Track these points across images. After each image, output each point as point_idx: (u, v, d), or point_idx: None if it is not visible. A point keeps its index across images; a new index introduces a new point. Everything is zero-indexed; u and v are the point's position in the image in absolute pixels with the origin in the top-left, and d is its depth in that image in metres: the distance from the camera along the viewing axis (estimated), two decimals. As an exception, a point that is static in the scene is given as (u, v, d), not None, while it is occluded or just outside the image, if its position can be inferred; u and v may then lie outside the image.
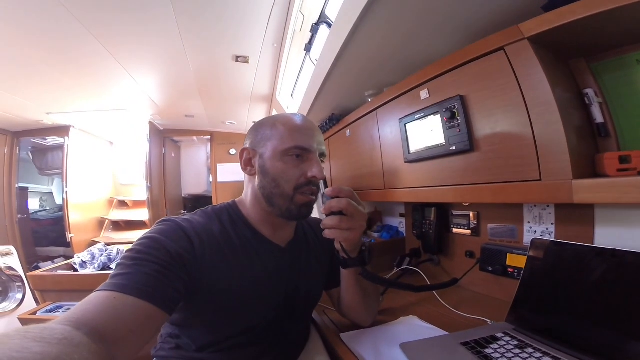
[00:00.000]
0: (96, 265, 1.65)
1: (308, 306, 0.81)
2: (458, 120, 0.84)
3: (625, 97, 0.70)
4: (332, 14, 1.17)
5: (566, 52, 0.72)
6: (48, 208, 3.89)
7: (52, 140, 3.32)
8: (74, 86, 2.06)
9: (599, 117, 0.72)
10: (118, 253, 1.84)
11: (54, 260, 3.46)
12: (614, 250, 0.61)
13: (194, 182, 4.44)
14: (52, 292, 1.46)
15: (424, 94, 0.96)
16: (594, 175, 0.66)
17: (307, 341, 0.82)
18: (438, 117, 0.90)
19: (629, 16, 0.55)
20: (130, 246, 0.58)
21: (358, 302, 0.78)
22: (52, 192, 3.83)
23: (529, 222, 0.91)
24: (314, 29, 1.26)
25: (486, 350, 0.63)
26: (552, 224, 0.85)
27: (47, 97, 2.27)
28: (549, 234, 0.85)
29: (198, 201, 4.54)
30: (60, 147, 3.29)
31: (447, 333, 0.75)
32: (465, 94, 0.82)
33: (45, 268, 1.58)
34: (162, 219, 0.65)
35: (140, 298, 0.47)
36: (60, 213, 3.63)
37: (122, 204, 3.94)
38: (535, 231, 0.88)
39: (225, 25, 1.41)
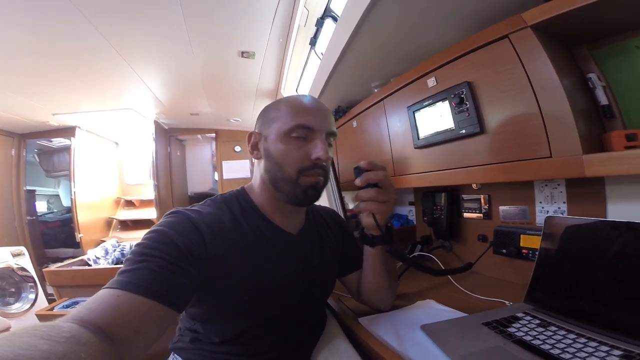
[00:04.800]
0: (110, 260, 1.68)
1: (324, 293, 0.80)
2: (467, 105, 0.86)
3: (628, 80, 0.72)
4: (337, 8, 1.18)
5: (569, 40, 0.74)
6: (55, 210, 3.94)
7: (57, 142, 3.34)
8: (81, 86, 2.08)
9: (603, 100, 0.74)
10: (131, 248, 1.86)
11: (64, 262, 3.51)
12: (629, 222, 0.60)
13: (199, 180, 4.46)
14: (67, 287, 1.48)
15: (431, 82, 0.98)
16: (602, 152, 0.67)
17: (324, 328, 0.81)
18: (446, 103, 0.92)
19: (627, 4, 0.57)
20: (140, 240, 0.56)
21: (382, 283, 0.77)
22: (58, 195, 3.87)
23: (540, 202, 0.92)
24: (319, 23, 1.28)
25: (509, 330, 0.63)
26: (563, 202, 0.87)
27: (53, 98, 2.29)
28: (562, 212, 0.87)
29: (204, 199, 4.54)
30: (66, 149, 3.31)
31: (467, 315, 0.75)
32: (472, 80, 0.85)
33: (60, 264, 1.61)
34: (171, 210, 0.62)
35: (145, 296, 0.45)
36: (67, 215, 3.67)
37: (129, 203, 3.97)
38: (548, 211, 0.90)
39: (232, 22, 1.42)
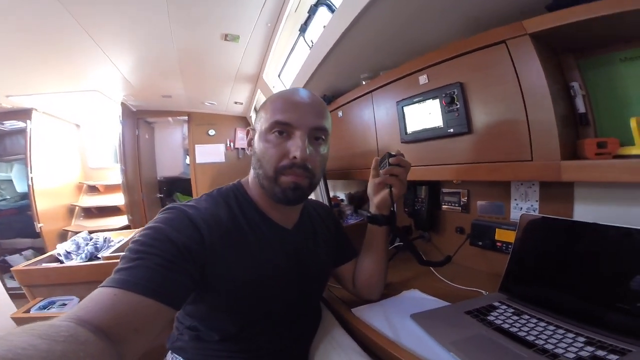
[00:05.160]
0: (83, 256, 1.58)
1: (320, 286, 0.82)
2: (457, 105, 0.89)
3: (605, 91, 0.78)
4: (333, -4, 1.15)
5: (558, 47, 0.78)
6: (8, 197, 3.59)
7: (10, 124, 3.01)
8: (40, 66, 1.86)
9: (581, 108, 0.79)
10: (105, 241, 1.77)
11: (22, 253, 3.25)
12: (595, 224, 0.68)
13: (169, 165, 4.27)
14: (41, 287, 1.38)
15: (422, 79, 1.00)
16: (574, 157, 0.74)
17: (320, 319, 0.84)
18: (437, 101, 0.95)
19: (625, 20, 0.61)
20: (134, 237, 0.55)
21: (382, 265, 0.83)
22: (11, 180, 3.52)
23: (515, 199, 1.00)
24: (312, 10, 1.24)
25: (489, 318, 0.70)
26: (536, 201, 0.94)
27: (6, 78, 2.04)
28: (534, 210, 0.95)
29: (174, 183, 4.40)
30: (19, 132, 2.99)
31: (449, 304, 0.81)
32: (465, 81, 0.87)
33: (30, 262, 1.49)
34: (167, 206, 0.61)
35: (143, 295, 0.45)
36: (23, 202, 3.36)
37: (93, 189, 3.71)
38: (522, 207, 0.98)
39: (220, 2, 1.34)
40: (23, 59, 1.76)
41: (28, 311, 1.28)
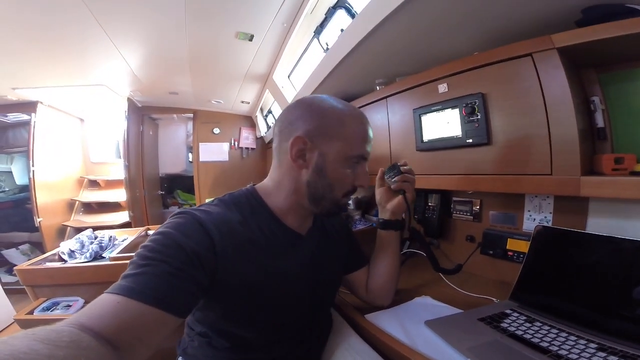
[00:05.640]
0: (87, 255, 1.56)
1: (333, 292, 0.82)
2: (478, 115, 0.89)
3: (624, 106, 0.79)
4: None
5: (581, 62, 0.79)
6: (7, 189, 3.55)
7: (13, 117, 2.98)
8: (48, 58, 1.84)
9: (600, 122, 0.80)
10: (110, 240, 1.75)
11: (19, 247, 3.20)
12: (610, 236, 0.70)
13: (171, 161, 4.24)
14: (44, 287, 1.35)
15: (442, 87, 1.00)
16: (590, 172, 0.75)
17: (331, 326, 0.83)
18: (456, 111, 0.95)
19: None
20: (145, 242, 0.54)
21: (395, 269, 0.85)
22: (11, 172, 3.48)
23: (529, 211, 1.00)
24: (330, 12, 1.24)
25: (502, 325, 0.71)
26: (550, 212, 0.95)
27: (15, 71, 2.01)
28: (547, 222, 0.95)
29: (175, 180, 4.37)
30: (23, 125, 2.95)
31: (462, 311, 0.81)
32: (487, 92, 0.88)
33: (32, 260, 1.47)
34: (179, 211, 0.60)
35: (147, 303, 0.44)
36: (22, 194, 3.32)
37: (94, 183, 3.66)
38: (535, 219, 0.98)
39: (238, 0, 1.33)
40: (31, 52, 1.74)
41: (31, 312, 1.26)
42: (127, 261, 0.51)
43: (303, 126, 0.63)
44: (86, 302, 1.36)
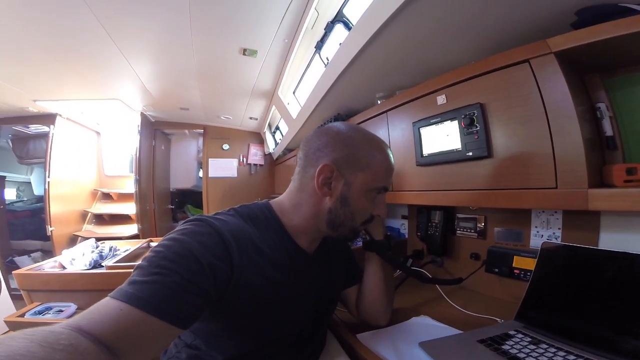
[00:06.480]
0: (87, 263, 1.58)
1: (332, 310, 0.81)
2: (477, 127, 0.86)
3: (634, 112, 0.75)
4: (349, 13, 1.17)
5: (583, 67, 0.76)
6: (25, 199, 3.69)
7: (34, 128, 3.14)
8: (67, 73, 1.95)
9: (609, 131, 0.76)
10: (110, 250, 1.77)
11: (31, 255, 3.29)
12: (624, 252, 0.65)
13: (182, 177, 4.32)
14: (40, 292, 1.36)
15: (440, 99, 0.98)
16: (600, 184, 0.70)
17: (324, 344, 0.81)
18: (455, 123, 0.93)
19: None
20: (156, 246, 0.52)
21: (381, 289, 0.81)
22: (30, 182, 3.63)
23: (536, 227, 0.95)
24: (329, 27, 1.26)
25: (503, 347, 0.65)
26: (559, 228, 0.89)
27: (36, 84, 2.13)
28: (556, 238, 0.89)
29: (186, 195, 4.44)
30: (43, 136, 3.10)
31: (461, 331, 0.77)
32: (485, 102, 0.85)
33: (32, 266, 1.49)
34: (195, 217, 0.58)
35: (151, 314, 0.43)
36: (38, 205, 3.45)
37: (107, 196, 3.77)
38: (542, 235, 0.93)
39: (239, 17, 1.38)
40: (51, 64, 1.83)
41: (23, 315, 1.27)
42: (123, 270, 0.50)
43: (331, 154, 0.63)
44: (79, 309, 1.36)
